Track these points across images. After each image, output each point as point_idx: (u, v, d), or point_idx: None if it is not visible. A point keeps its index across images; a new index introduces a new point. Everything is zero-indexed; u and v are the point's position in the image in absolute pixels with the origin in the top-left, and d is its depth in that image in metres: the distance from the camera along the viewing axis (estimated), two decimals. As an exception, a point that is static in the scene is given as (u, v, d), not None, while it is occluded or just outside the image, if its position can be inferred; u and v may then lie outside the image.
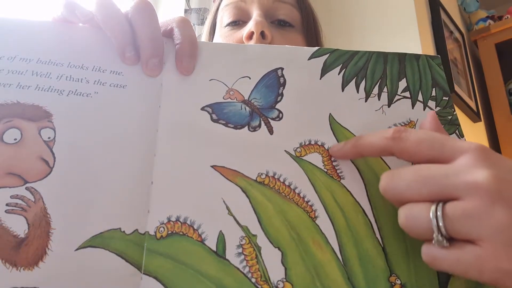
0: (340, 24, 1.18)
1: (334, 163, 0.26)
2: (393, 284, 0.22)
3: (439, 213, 0.19)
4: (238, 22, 0.49)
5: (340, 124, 0.27)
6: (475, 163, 0.20)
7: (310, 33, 0.51)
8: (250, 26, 0.45)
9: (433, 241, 0.20)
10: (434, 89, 0.30)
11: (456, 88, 1.12)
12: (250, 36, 0.45)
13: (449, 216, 0.19)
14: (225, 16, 0.50)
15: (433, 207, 0.20)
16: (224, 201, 0.23)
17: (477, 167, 0.19)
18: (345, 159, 0.26)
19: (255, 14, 0.46)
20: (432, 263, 0.21)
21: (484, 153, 0.20)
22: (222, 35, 0.49)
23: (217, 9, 0.53)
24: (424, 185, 0.20)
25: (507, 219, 0.18)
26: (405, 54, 0.31)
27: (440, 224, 0.19)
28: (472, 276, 0.19)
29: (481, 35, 1.47)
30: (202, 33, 0.58)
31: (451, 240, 0.20)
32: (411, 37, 1.02)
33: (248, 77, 0.28)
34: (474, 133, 1.28)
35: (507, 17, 1.49)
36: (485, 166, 0.19)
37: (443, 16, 1.19)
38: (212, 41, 0.53)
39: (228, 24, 0.49)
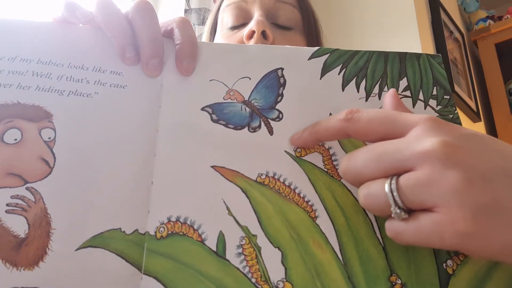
0: (340, 24, 1.18)
1: (334, 163, 0.26)
2: (393, 283, 0.22)
3: (393, 186, 0.20)
4: (239, 24, 0.49)
5: None
6: (425, 133, 0.20)
7: (311, 34, 0.51)
8: (251, 25, 0.45)
9: (392, 215, 0.20)
10: (435, 88, 0.30)
11: (456, 88, 1.12)
12: (250, 35, 0.45)
13: (403, 188, 0.19)
14: (226, 17, 0.50)
15: (387, 181, 0.20)
16: (224, 201, 0.23)
17: (426, 137, 0.20)
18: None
19: (257, 14, 0.46)
20: (396, 238, 0.21)
21: (434, 123, 0.20)
22: (223, 36, 0.49)
23: (218, 9, 0.53)
24: (378, 162, 0.21)
25: (459, 181, 0.18)
26: (406, 53, 0.31)
27: (396, 196, 0.19)
28: (434, 244, 0.19)
29: (481, 35, 1.47)
30: (203, 33, 0.58)
31: (410, 212, 0.20)
32: (411, 37, 1.02)
33: (248, 77, 0.28)
34: (474, 133, 1.27)
35: (507, 17, 1.49)
36: (435, 134, 0.20)
37: (443, 16, 1.19)
38: (213, 41, 0.53)
39: (230, 26, 0.49)
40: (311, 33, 0.51)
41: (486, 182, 0.18)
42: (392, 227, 0.21)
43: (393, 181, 0.20)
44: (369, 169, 0.21)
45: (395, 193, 0.19)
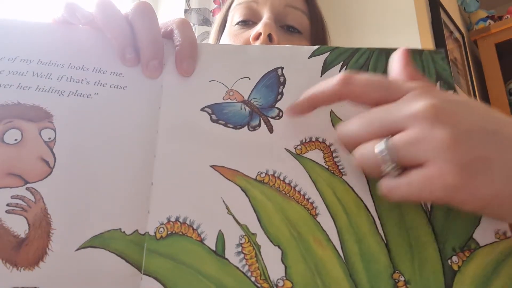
0: (340, 24, 1.18)
1: (335, 159, 0.26)
2: (396, 281, 0.22)
3: (385, 145, 0.21)
4: (248, 22, 0.49)
5: (342, 120, 0.27)
6: (415, 98, 0.21)
7: (318, 41, 0.51)
8: (258, 27, 0.46)
9: (385, 172, 0.22)
10: (438, 83, 0.30)
11: (456, 88, 1.11)
12: (257, 37, 0.45)
13: (395, 146, 0.21)
14: (236, 15, 0.50)
15: (380, 141, 0.22)
16: (223, 201, 0.23)
17: (416, 100, 0.21)
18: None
19: (266, 16, 0.47)
20: (389, 194, 0.22)
21: (425, 89, 0.22)
22: (231, 33, 0.50)
23: (229, 7, 0.53)
24: (371, 124, 0.22)
25: (446, 138, 0.19)
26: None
27: (388, 155, 0.21)
28: (425, 197, 0.21)
29: (481, 35, 1.47)
30: (211, 30, 0.58)
31: (403, 170, 0.21)
32: (411, 37, 1.02)
33: (247, 77, 0.28)
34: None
35: (507, 17, 1.49)
36: (424, 98, 0.21)
37: (443, 16, 1.19)
38: (220, 38, 0.53)
39: (238, 23, 0.50)
40: (318, 40, 0.51)
41: (471, 139, 0.20)
42: (386, 184, 0.22)
43: (386, 141, 0.21)
44: (363, 131, 0.23)
45: (386, 151, 0.21)
